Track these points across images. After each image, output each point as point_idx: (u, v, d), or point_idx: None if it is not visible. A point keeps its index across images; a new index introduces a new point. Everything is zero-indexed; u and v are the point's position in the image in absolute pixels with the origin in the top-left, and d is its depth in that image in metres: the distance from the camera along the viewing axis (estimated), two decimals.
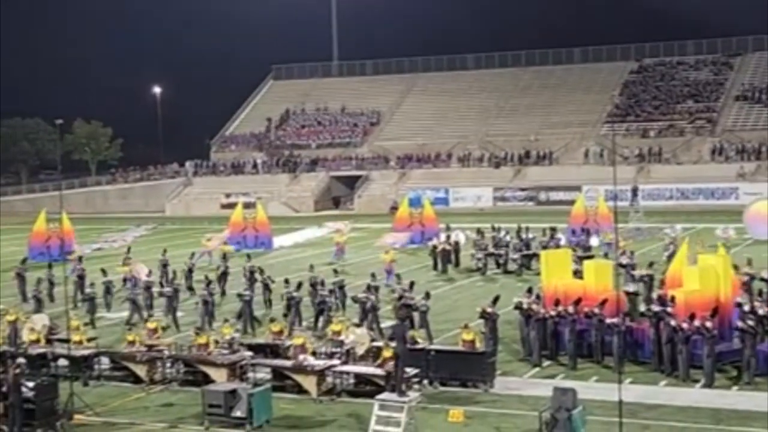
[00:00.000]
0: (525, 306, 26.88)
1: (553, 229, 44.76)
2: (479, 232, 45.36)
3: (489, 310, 26.28)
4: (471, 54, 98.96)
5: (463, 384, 24.08)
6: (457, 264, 44.65)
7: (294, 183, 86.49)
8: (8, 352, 26.20)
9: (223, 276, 37.79)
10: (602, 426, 20.15)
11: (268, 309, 33.79)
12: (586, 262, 31.16)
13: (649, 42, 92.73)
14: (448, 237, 45.75)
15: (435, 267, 44.11)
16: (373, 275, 32.89)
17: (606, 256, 39.90)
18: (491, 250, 43.71)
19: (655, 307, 25.34)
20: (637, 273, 32.95)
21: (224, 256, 41.42)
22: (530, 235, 44.63)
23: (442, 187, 79.63)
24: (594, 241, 44.58)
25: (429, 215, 54.56)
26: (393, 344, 21.98)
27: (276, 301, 34.04)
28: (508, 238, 44.79)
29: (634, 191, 67.67)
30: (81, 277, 37.77)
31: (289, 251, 53.85)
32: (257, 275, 35.79)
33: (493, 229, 46.27)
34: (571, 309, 26.14)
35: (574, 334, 25.85)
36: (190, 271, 38.61)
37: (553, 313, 26.52)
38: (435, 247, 45.05)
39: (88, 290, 34.75)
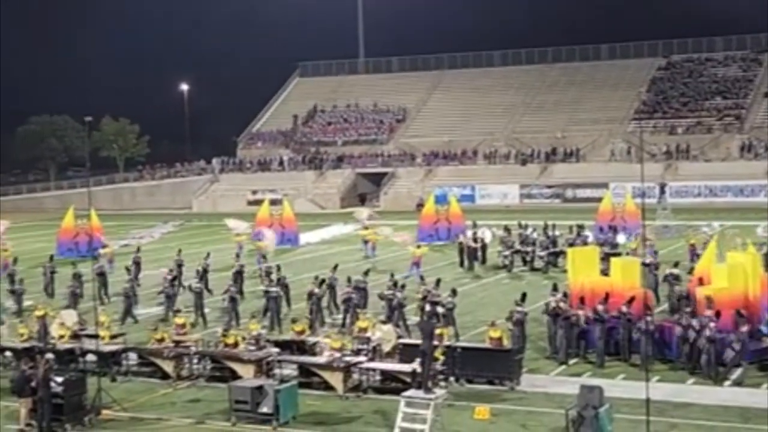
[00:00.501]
0: (553, 305, 26.79)
1: (580, 227, 44.57)
2: (506, 229, 45.23)
3: (518, 308, 26.26)
4: (498, 51, 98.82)
5: (490, 381, 24.04)
6: (483, 261, 44.54)
7: (320, 180, 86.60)
8: (37, 347, 26.41)
9: (239, 275, 37.29)
10: (629, 424, 20.06)
11: (287, 308, 33.76)
12: (613, 260, 31.01)
13: (677, 38, 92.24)
14: (475, 234, 45.61)
15: (461, 264, 44.04)
16: (392, 275, 32.78)
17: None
18: (518, 247, 43.56)
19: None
20: (660, 272, 32.80)
21: (264, 256, 41.48)
22: (557, 233, 44.46)
23: (469, 184, 79.48)
24: (621, 239, 44.30)
25: (455, 212, 54.46)
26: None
27: (296, 300, 34.02)
28: (534, 235, 44.63)
29: (662, 188, 67.25)
30: (101, 274, 37.76)
31: (315, 248, 53.93)
32: (273, 276, 35.56)
33: (520, 226, 46.09)
34: (601, 307, 25.97)
35: (604, 332, 25.67)
36: (205, 271, 38.18)
37: (588, 314, 26.35)
38: (461, 244, 44.99)
39: (126, 285, 34.80)
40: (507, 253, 42.99)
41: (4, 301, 35.24)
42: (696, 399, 22.47)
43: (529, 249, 43.33)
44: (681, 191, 71.12)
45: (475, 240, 44.87)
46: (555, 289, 27.85)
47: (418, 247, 42.19)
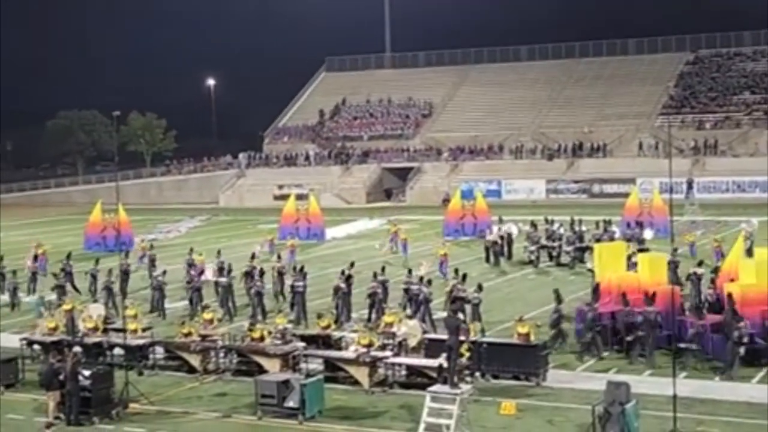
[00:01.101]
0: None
1: (608, 222, 44.35)
2: (533, 224, 45.07)
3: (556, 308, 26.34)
4: (525, 45, 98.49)
5: (515, 377, 24.02)
6: (509, 257, 44.44)
7: (346, 175, 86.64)
8: (65, 340, 26.62)
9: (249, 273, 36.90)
10: (656, 420, 19.99)
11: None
12: (640, 255, 30.87)
13: (705, 33, 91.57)
14: (500, 229, 45.38)
15: (487, 260, 43.95)
16: (409, 271, 32.71)
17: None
18: (544, 242, 43.38)
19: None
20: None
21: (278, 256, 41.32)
22: (583, 228, 44.26)
23: (495, 179, 79.30)
24: (648, 234, 44.04)
25: (481, 207, 54.35)
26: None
27: (322, 294, 34.09)
28: (561, 230, 44.44)
29: (690, 184, 66.94)
30: (126, 272, 37.70)
31: (341, 243, 54.00)
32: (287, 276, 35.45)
33: (547, 221, 45.90)
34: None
35: (650, 327, 25.40)
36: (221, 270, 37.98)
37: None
38: (487, 240, 44.73)
39: (159, 278, 34.90)
40: (533, 248, 42.88)
41: (45, 295, 35.39)
42: (723, 396, 22.34)
43: (556, 244, 43.15)
44: (709, 187, 70.70)
45: (501, 237, 44.67)
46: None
47: (442, 245, 41.98)
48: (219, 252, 39.30)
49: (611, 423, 18.89)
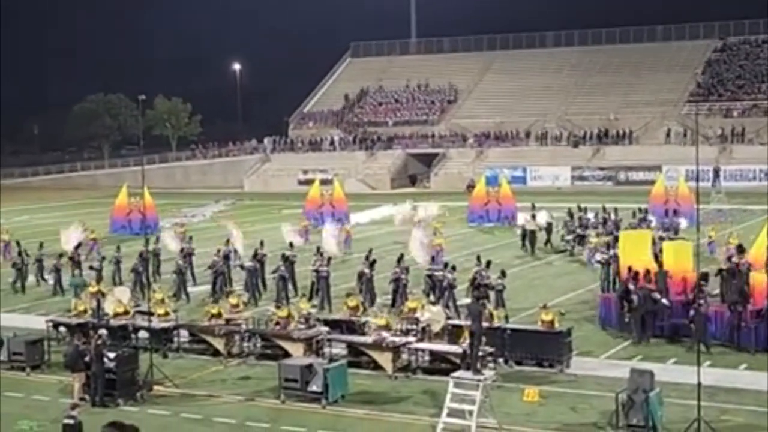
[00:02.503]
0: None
1: (645, 211, 43.71)
2: (569, 213, 44.27)
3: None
4: (551, 31, 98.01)
5: (539, 363, 23.99)
6: (549, 245, 43.44)
7: (371, 160, 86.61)
8: (91, 323, 26.81)
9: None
10: (679, 408, 19.91)
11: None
12: (665, 243, 30.67)
13: (734, 20, 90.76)
14: (534, 216, 44.65)
15: (523, 246, 43.42)
16: (432, 258, 32.67)
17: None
18: (579, 231, 42.39)
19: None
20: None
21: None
22: (619, 217, 43.17)
23: (520, 165, 79.05)
24: (684, 223, 43.25)
25: (506, 194, 54.19)
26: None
27: (346, 279, 34.12)
28: (593, 217, 43.58)
29: (716, 172, 66.52)
30: (156, 255, 37.80)
31: (365, 228, 54.00)
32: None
33: (580, 209, 45.04)
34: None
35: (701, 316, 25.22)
36: (233, 253, 37.78)
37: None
38: (523, 227, 44.21)
39: (180, 262, 34.98)
40: (570, 237, 42.29)
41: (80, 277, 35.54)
42: (747, 384, 22.25)
43: (588, 233, 42.11)
44: (735, 175, 70.24)
45: (535, 223, 43.70)
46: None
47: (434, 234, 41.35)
48: (227, 241, 38.92)
49: (634, 411, 18.87)
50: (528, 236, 43.29)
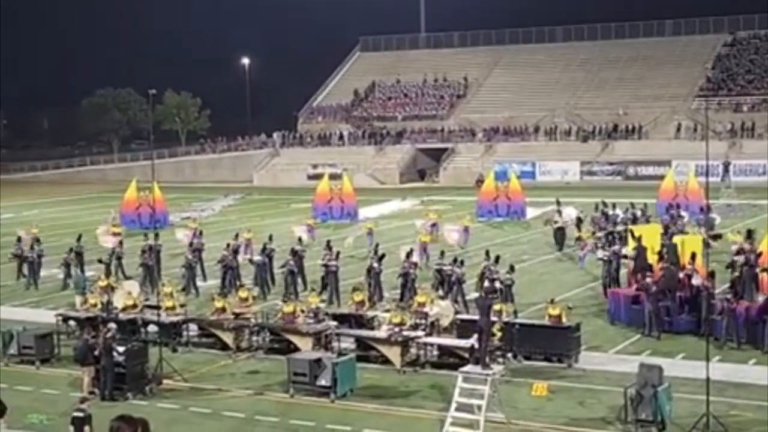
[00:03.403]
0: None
1: (677, 206, 43.11)
2: (596, 208, 43.19)
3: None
4: (560, 26, 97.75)
5: (547, 358, 23.99)
6: (579, 239, 42.32)
7: (380, 155, 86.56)
8: (100, 316, 26.87)
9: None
10: (688, 404, 19.90)
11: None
12: (675, 237, 30.52)
13: (744, 14, 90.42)
14: (559, 212, 44.04)
15: (556, 243, 42.36)
16: (442, 253, 32.60)
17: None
18: (609, 228, 41.42)
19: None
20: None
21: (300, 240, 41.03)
22: (648, 213, 42.54)
23: (529, 160, 78.93)
24: (718, 219, 42.59)
25: (515, 189, 54.13)
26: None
27: (354, 274, 34.15)
28: (620, 213, 42.85)
29: (726, 167, 66.30)
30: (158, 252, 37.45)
31: (374, 223, 53.93)
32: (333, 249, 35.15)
33: (605, 205, 43.74)
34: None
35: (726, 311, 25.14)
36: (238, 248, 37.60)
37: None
38: (556, 223, 43.03)
39: (189, 257, 35.00)
40: (600, 234, 41.47)
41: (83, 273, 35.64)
42: (756, 380, 22.21)
43: (618, 228, 41.18)
44: (745, 170, 70.00)
45: (564, 220, 42.71)
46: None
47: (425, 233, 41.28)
48: (236, 235, 38.90)
49: (643, 405, 18.87)
50: (555, 233, 42.39)
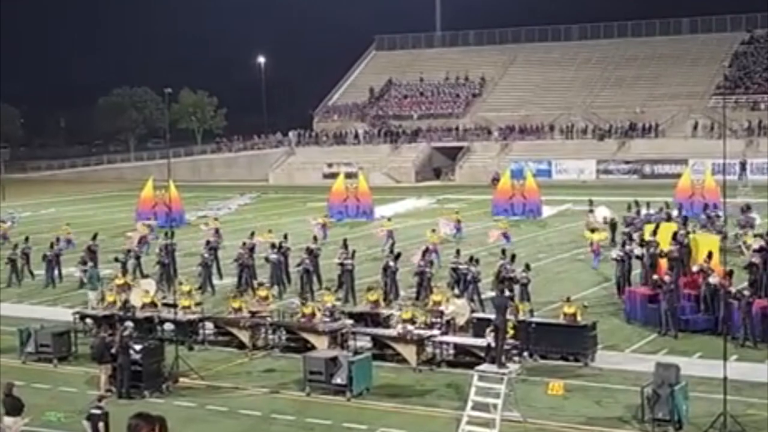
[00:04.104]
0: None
1: (713, 206, 42.67)
2: (629, 208, 42.54)
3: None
4: (576, 24, 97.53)
5: (564, 357, 23.94)
6: (613, 241, 40.33)
7: (395, 153, 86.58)
8: (117, 315, 26.96)
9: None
10: (705, 403, 19.83)
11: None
12: (692, 236, 30.36)
13: (761, 12, 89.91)
14: (592, 212, 43.50)
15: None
16: (457, 252, 32.58)
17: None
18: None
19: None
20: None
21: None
22: (683, 212, 41.38)
23: (545, 159, 78.84)
24: (758, 219, 42.02)
25: (531, 187, 54.06)
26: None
27: (370, 272, 34.16)
28: (656, 213, 42.24)
29: (743, 165, 66.00)
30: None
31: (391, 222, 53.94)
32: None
33: (637, 204, 43.09)
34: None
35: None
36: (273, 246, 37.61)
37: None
38: (589, 223, 42.59)
39: (206, 255, 35.06)
40: (635, 234, 40.81)
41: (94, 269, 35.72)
42: None
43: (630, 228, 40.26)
44: (762, 168, 69.61)
45: (597, 221, 41.98)
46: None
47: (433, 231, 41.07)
48: (252, 234, 38.67)
49: (660, 405, 18.81)
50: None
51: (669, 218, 39.89)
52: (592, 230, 39.31)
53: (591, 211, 43.49)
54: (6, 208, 59.82)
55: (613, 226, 41.47)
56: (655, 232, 29.36)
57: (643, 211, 41.86)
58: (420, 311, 25.41)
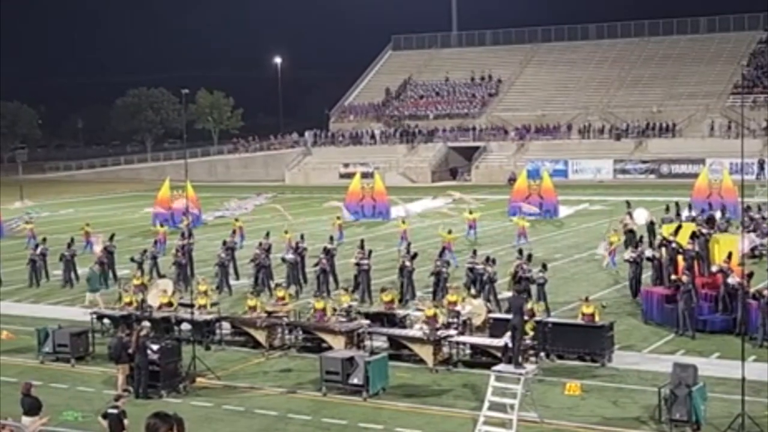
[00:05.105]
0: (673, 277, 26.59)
1: (758, 208, 41.68)
2: (667, 209, 41.25)
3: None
4: (593, 23, 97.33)
5: (580, 357, 23.87)
6: (651, 244, 40.78)
7: (411, 153, 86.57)
8: (134, 315, 27.04)
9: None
10: (723, 404, 19.75)
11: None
12: (713, 236, 30.17)
13: None
14: (630, 215, 43.28)
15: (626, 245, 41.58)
16: (474, 252, 32.53)
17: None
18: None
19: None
20: None
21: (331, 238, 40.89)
22: (728, 214, 40.78)
23: (561, 158, 78.70)
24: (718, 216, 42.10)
25: (547, 187, 53.93)
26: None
27: (387, 273, 34.17)
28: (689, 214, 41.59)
29: (761, 165, 65.72)
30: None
31: (407, 222, 53.89)
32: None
33: (677, 205, 41.62)
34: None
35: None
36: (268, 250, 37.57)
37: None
38: (626, 225, 42.33)
39: (223, 255, 35.08)
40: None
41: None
42: None
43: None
44: None
45: (634, 222, 40.83)
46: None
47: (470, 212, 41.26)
48: (267, 234, 38.87)
49: (677, 405, 18.73)
50: (626, 234, 39.87)
51: (711, 220, 39.22)
52: (628, 230, 38.97)
53: (629, 213, 42.86)
54: (24, 208, 60.11)
55: (651, 227, 40.50)
56: (676, 232, 29.18)
57: (684, 213, 40.21)
58: (439, 309, 25.36)
